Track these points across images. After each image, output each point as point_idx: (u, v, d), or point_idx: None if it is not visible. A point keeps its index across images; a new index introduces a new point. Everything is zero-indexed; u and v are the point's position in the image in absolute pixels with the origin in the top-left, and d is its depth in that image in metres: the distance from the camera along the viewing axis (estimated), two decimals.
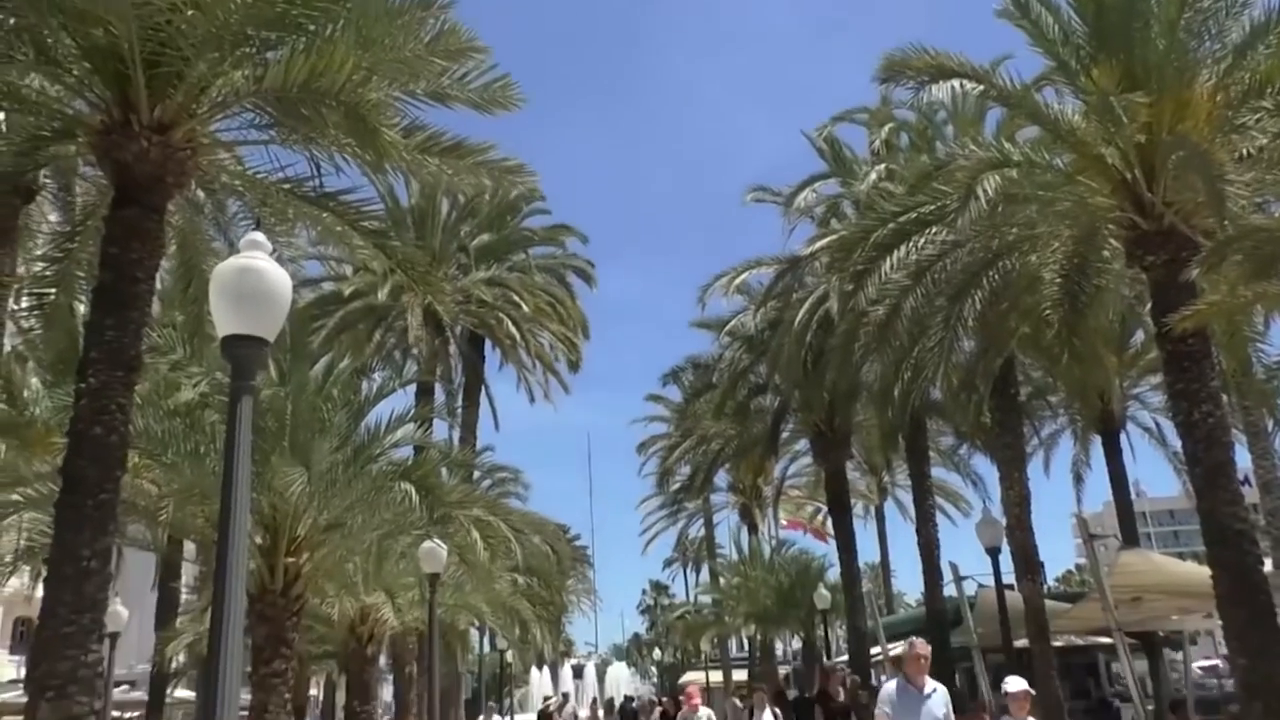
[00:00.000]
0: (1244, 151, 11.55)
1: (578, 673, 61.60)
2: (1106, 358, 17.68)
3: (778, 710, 11.74)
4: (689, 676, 50.73)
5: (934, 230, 13.52)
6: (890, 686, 7.37)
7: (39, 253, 11.88)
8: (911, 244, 13.70)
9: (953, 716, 7.21)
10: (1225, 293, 10.16)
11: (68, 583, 7.74)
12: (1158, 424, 24.31)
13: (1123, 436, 21.87)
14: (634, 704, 29.08)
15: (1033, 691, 7.09)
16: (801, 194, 22.73)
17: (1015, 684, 7.02)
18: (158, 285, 10.08)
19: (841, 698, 12.07)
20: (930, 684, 7.20)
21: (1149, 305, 13.20)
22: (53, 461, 10.16)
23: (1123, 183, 11.98)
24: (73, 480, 8.02)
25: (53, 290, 10.90)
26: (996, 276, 14.31)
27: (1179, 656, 22.61)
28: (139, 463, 10.70)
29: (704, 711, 12.14)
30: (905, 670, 7.23)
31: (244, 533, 4.98)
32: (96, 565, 7.86)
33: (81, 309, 10.87)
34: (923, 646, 7.34)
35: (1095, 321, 14.86)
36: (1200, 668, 27.46)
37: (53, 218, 12.33)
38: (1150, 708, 16.15)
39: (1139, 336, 20.36)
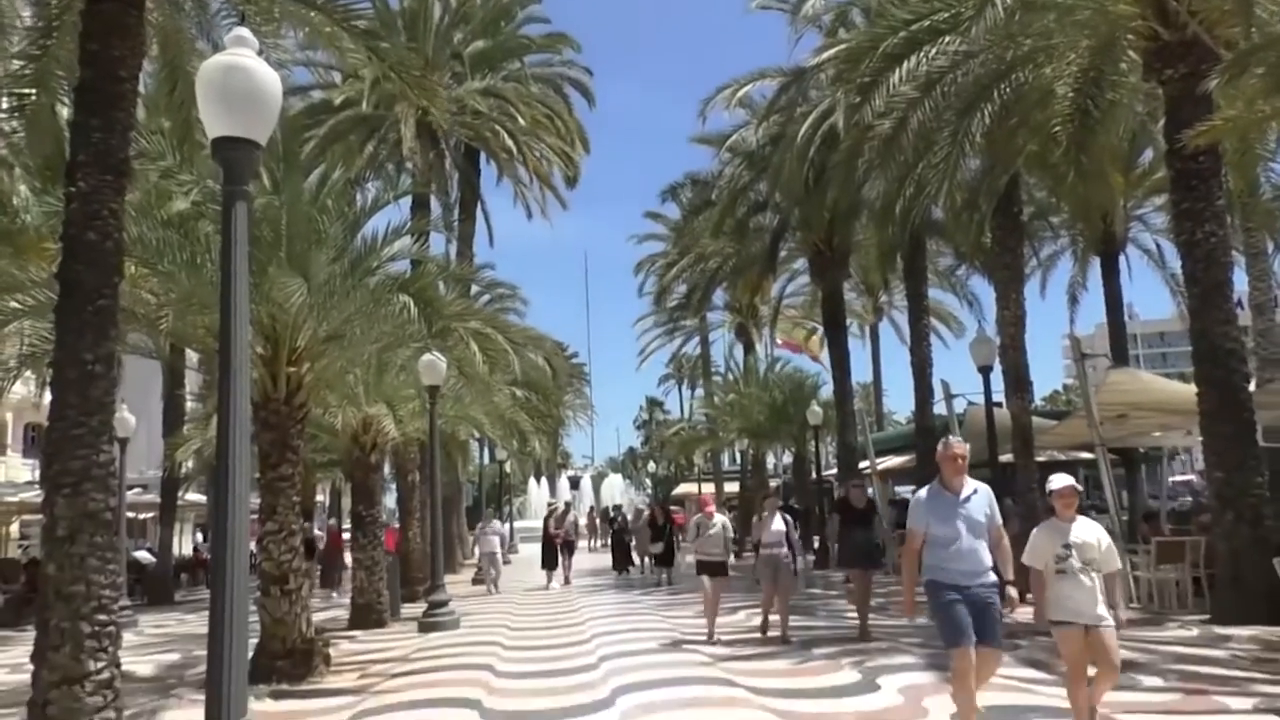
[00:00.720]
0: None
1: (574, 483, 63.96)
2: (1113, 177, 17.42)
3: (788, 518, 12.08)
4: (682, 488, 52.72)
5: (946, 40, 13.09)
6: (922, 492, 6.55)
7: (15, 50, 11.37)
8: (922, 54, 13.27)
9: (999, 518, 6.32)
10: (1242, 108, 9.90)
11: (73, 386, 7.83)
12: (1158, 245, 24.40)
13: (1122, 259, 21.92)
14: (622, 513, 29.75)
15: (1079, 487, 6.15)
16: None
17: (1059, 480, 6.10)
18: (142, 90, 9.71)
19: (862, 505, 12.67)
20: (970, 485, 6.27)
21: (1161, 122, 12.92)
22: (49, 268, 10.07)
23: None
24: (69, 285, 7.98)
25: (33, 90, 10.48)
26: (1008, 90, 13.90)
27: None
28: (136, 272, 10.62)
29: (719, 518, 12.43)
30: (940, 473, 6.37)
31: (245, 337, 4.99)
32: (101, 369, 7.93)
33: (65, 113, 10.50)
34: (958, 445, 6.34)
35: (1105, 139, 14.56)
36: (1174, 482, 28.54)
37: (25, 14, 11.75)
38: (1125, 518, 16.84)
39: (1147, 156, 20.07)
